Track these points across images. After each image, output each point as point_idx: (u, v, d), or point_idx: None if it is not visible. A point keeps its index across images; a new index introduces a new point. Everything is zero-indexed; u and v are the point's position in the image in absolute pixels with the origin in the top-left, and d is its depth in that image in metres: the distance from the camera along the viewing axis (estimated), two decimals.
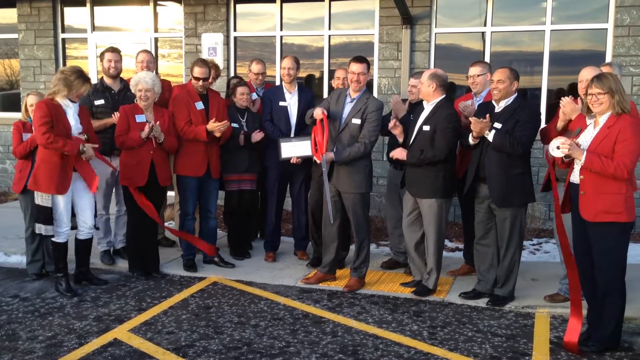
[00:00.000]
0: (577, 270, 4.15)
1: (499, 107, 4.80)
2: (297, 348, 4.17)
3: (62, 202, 5.07)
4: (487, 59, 7.59)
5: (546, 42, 7.46)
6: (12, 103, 9.79)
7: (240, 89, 5.96)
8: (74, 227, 5.27)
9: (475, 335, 4.43)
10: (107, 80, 5.94)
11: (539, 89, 7.54)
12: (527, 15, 7.63)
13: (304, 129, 5.87)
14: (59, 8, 9.42)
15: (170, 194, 6.40)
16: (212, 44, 8.64)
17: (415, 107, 5.39)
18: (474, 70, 5.41)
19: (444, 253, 6.38)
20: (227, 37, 8.66)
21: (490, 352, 4.13)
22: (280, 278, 5.66)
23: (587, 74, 4.53)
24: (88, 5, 9.28)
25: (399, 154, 5.09)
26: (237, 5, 8.68)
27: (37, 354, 4.05)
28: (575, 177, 4.08)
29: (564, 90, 7.43)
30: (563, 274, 4.92)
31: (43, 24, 9.38)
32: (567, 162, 4.11)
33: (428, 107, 5.09)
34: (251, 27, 8.74)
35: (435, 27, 7.84)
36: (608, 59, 7.17)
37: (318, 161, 5.26)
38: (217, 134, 5.57)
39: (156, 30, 9.14)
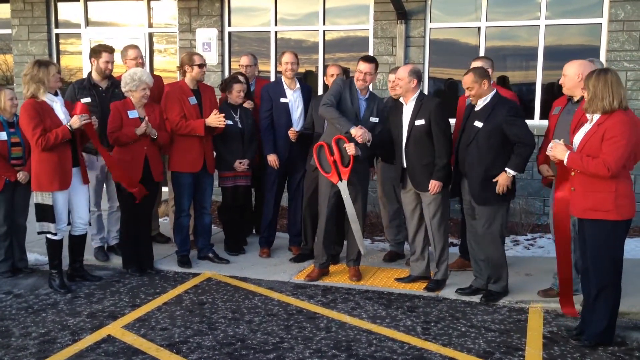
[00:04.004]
0: (569, 265, 4.28)
1: (478, 106, 4.83)
2: (290, 344, 4.17)
3: (61, 199, 5.06)
4: (482, 53, 7.58)
5: (541, 37, 7.46)
6: None
7: (237, 86, 5.91)
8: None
9: (468, 330, 4.43)
10: (95, 77, 5.81)
11: (534, 84, 7.54)
12: (522, 10, 7.62)
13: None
14: (53, 3, 9.37)
15: (164, 189, 6.38)
16: (206, 39, 8.61)
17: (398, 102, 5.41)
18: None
19: None
20: (222, 32, 8.63)
21: (483, 347, 4.14)
22: (275, 274, 5.66)
23: (569, 69, 4.62)
24: (81, 0, 9.23)
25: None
26: (232, 0, 8.65)
27: (30, 350, 4.04)
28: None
29: (553, 85, 7.44)
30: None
31: (36, 19, 9.34)
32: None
33: (410, 103, 5.11)
34: (246, 22, 8.71)
35: (430, 22, 7.82)
36: (602, 53, 7.18)
37: (335, 182, 5.32)
38: (219, 126, 5.59)
39: (150, 26, 9.10)
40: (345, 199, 5.30)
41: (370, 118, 5.34)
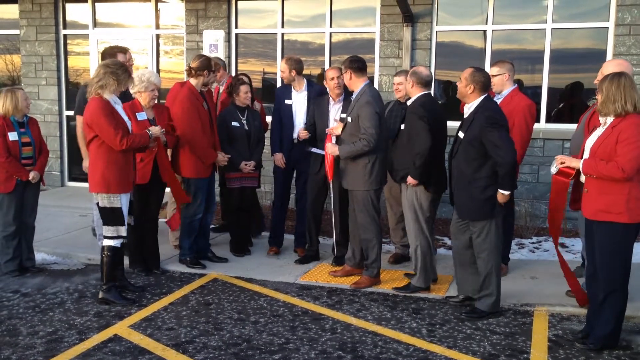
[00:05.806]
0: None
1: (465, 114, 4.68)
2: (296, 345, 4.19)
3: (125, 201, 4.90)
4: (488, 57, 7.59)
5: (547, 41, 7.45)
6: None
7: (243, 87, 5.97)
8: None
9: (474, 332, 4.44)
10: None
11: (540, 87, 7.53)
12: (528, 13, 7.62)
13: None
14: (61, 4, 9.41)
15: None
16: (213, 40, 8.65)
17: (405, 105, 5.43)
18: (491, 71, 5.41)
19: (444, 251, 6.43)
20: (229, 34, 8.66)
21: (488, 350, 4.15)
22: (280, 275, 5.67)
23: (606, 69, 4.61)
24: (89, 1, 9.28)
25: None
26: (239, 2, 8.68)
27: (38, 349, 4.07)
28: (582, 175, 4.12)
29: (560, 89, 7.45)
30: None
31: (44, 20, 9.39)
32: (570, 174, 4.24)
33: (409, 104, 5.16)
34: (252, 24, 8.74)
35: (437, 25, 7.83)
36: (609, 57, 7.16)
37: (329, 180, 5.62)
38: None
39: (157, 27, 9.13)
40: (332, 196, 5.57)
41: (347, 118, 5.23)
